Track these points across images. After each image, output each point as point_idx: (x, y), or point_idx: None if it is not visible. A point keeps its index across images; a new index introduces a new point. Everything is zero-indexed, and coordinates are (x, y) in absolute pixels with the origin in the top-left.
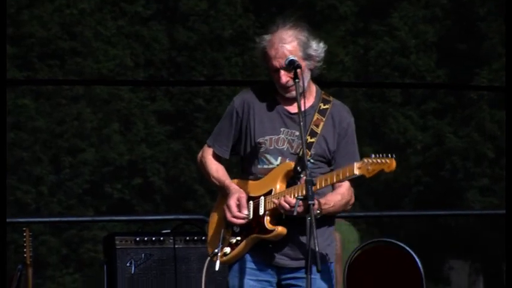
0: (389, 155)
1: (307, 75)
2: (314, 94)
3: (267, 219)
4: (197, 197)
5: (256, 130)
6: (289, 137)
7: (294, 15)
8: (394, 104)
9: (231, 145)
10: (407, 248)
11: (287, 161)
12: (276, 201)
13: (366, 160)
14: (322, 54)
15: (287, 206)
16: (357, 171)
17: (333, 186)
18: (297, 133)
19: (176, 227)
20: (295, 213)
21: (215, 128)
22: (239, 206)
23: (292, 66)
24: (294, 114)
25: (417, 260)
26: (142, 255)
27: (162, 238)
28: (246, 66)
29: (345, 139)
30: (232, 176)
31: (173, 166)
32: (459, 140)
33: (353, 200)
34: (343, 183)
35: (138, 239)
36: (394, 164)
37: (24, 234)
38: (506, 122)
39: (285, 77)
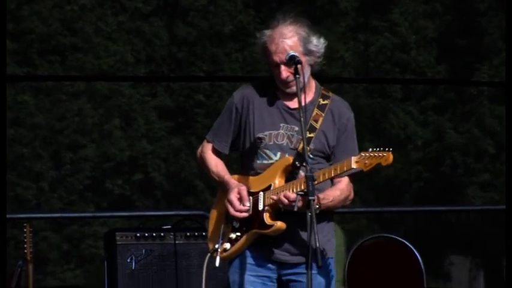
0: (387, 148)
1: (307, 71)
2: (313, 90)
3: (266, 214)
4: (198, 192)
5: (255, 125)
6: (288, 132)
7: (294, 11)
8: (394, 100)
9: (230, 140)
10: (408, 244)
11: (286, 156)
12: (274, 197)
13: (363, 154)
14: (323, 50)
15: (286, 201)
16: (354, 165)
17: (332, 182)
18: (297, 128)
19: (177, 222)
20: (295, 209)
21: (215, 124)
22: (240, 200)
23: (292, 61)
24: (294, 109)
25: (418, 255)
26: (143, 251)
27: (162, 234)
28: (246, 62)
29: (345, 134)
30: (232, 171)
31: (174, 162)
32: (459, 136)
33: (352, 195)
34: (343, 178)
35: (138, 234)
36: (391, 157)
37: (25, 230)
38: (506, 117)
39: (285, 72)
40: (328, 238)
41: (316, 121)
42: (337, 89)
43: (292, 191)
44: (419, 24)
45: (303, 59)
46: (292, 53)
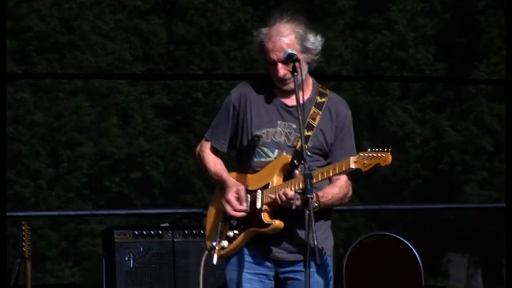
0: (386, 149)
1: (304, 69)
2: (311, 87)
3: (264, 213)
4: (195, 190)
5: (253, 123)
6: (286, 130)
7: (291, 9)
8: (392, 98)
9: (228, 138)
10: (406, 242)
11: (284, 153)
12: (272, 195)
13: (362, 154)
14: (320, 47)
15: (283, 197)
16: (353, 165)
17: (330, 179)
18: (294, 126)
19: (175, 220)
20: (293, 207)
21: (213, 122)
22: (238, 199)
23: (291, 59)
24: (291, 107)
25: (416, 253)
26: (141, 249)
27: (160, 232)
28: (245, 60)
29: (342, 132)
30: (230, 169)
31: (171, 160)
32: (458, 134)
33: (350, 193)
34: (341, 176)
35: (136, 232)
36: (390, 158)
37: (23, 228)
38: (506, 115)
39: (282, 70)
40: (325, 236)
41: (314, 119)
42: (335, 87)
43: (291, 189)
44: (418, 22)
45: (300, 56)
46: (290, 51)
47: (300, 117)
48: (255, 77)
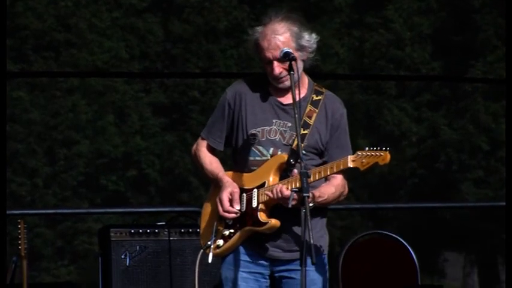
0: (384, 148)
1: (300, 67)
2: (306, 86)
3: (260, 211)
4: (192, 189)
5: (248, 121)
6: (281, 128)
7: (287, 7)
8: (389, 96)
9: (224, 137)
10: (402, 240)
11: (279, 152)
12: (270, 193)
13: (360, 153)
14: (315, 45)
15: (279, 194)
16: (351, 164)
17: (326, 178)
18: (290, 124)
19: (171, 219)
20: (289, 206)
21: (209, 120)
22: (231, 201)
23: (287, 58)
24: (286, 105)
25: (412, 252)
26: (137, 247)
27: (156, 230)
28: (241, 58)
29: (338, 131)
30: (226, 168)
31: (168, 158)
32: (454, 132)
33: (346, 191)
34: (337, 174)
35: (133, 231)
36: (388, 156)
37: (19, 226)
38: (506, 114)
39: (278, 68)
40: (320, 234)
41: (310, 117)
42: (331, 86)
43: (287, 188)
44: (414, 20)
45: (296, 54)
46: (286, 49)
47: (296, 115)
48: (251, 76)
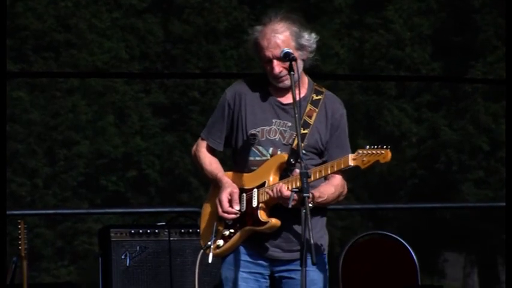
0: (385, 146)
1: (300, 66)
2: (306, 86)
3: (260, 211)
4: (192, 189)
5: (247, 121)
6: (281, 128)
7: (287, 8)
8: (389, 97)
9: (224, 137)
10: (402, 241)
11: (279, 151)
12: (270, 192)
13: (360, 151)
14: (314, 45)
15: (279, 193)
16: (351, 163)
17: (325, 177)
18: (289, 124)
19: (171, 219)
20: (290, 206)
21: (208, 121)
22: (231, 201)
23: (287, 58)
24: (286, 105)
25: (412, 252)
26: (137, 247)
27: (157, 231)
28: (241, 58)
29: (338, 131)
30: (226, 168)
31: (168, 159)
32: (454, 133)
33: (345, 191)
34: (336, 174)
35: (133, 231)
36: (389, 154)
37: (19, 226)
38: (506, 114)
39: (278, 67)
40: (320, 234)
41: (310, 117)
42: (331, 86)
43: (287, 188)
44: (414, 21)
45: (296, 53)
46: (286, 49)
47: (296, 115)
48: (251, 76)
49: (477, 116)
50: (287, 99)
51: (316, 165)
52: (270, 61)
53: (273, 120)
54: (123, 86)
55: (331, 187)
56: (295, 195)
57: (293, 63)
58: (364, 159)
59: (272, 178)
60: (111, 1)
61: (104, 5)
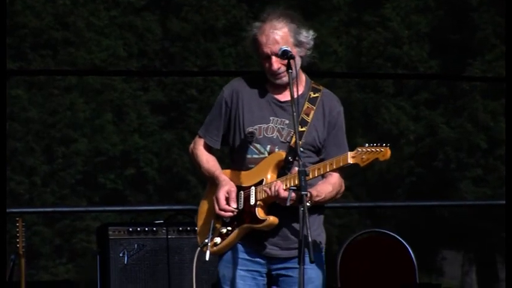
0: (384, 143)
1: (298, 63)
2: (304, 83)
3: (258, 209)
4: (190, 187)
5: (245, 119)
6: (278, 126)
7: (285, 5)
8: (386, 95)
9: (221, 135)
10: (400, 239)
11: (276, 149)
12: (267, 190)
13: (360, 149)
14: (312, 42)
15: (277, 192)
16: (351, 160)
17: (322, 175)
18: (287, 121)
19: (169, 217)
20: (288, 204)
21: (206, 119)
22: (228, 199)
23: (286, 56)
24: (284, 102)
25: (410, 250)
26: (135, 245)
27: (155, 228)
28: (240, 56)
29: (335, 128)
30: (224, 166)
31: (166, 156)
32: (452, 131)
33: (343, 189)
34: (334, 172)
35: (131, 229)
36: (388, 152)
37: (17, 224)
38: (506, 113)
39: (276, 63)
40: (318, 232)
41: (308, 114)
42: (329, 84)
43: (285, 186)
44: (412, 19)
45: (294, 50)
46: (285, 47)
47: (294, 113)
48: (249, 74)
49: (475, 114)
50: (284, 96)
51: (313, 163)
52: (268, 57)
53: (271, 118)
54: (121, 84)
55: (329, 185)
56: (293, 193)
57: (291, 61)
58: (364, 157)
59: (270, 176)
60: None
61: (101, 3)
